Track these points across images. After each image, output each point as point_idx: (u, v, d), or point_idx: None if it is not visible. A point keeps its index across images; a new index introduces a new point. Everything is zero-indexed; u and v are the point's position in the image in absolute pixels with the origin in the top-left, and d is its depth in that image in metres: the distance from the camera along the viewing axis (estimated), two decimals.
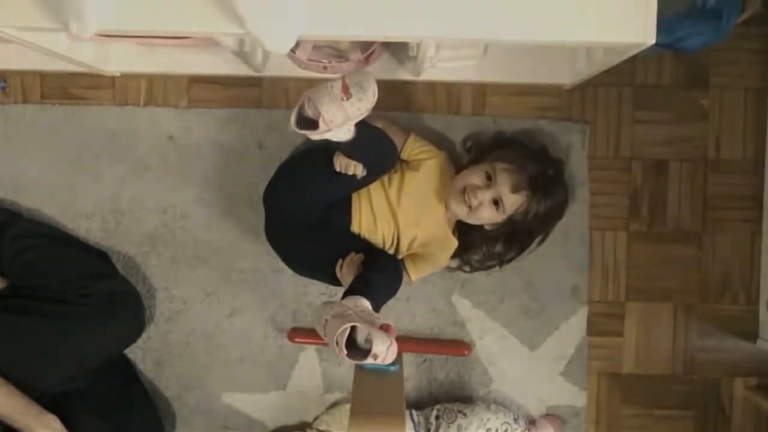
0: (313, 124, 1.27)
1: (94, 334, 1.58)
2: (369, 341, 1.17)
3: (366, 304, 1.28)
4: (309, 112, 1.27)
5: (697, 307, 1.81)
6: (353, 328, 1.19)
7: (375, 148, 1.51)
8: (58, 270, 1.62)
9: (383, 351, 1.16)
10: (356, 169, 1.52)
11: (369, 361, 1.17)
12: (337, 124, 1.25)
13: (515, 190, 1.54)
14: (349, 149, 1.44)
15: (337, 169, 1.52)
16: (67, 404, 1.53)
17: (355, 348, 1.21)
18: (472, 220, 1.61)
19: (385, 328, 1.19)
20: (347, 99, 1.23)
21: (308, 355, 1.79)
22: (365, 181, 1.58)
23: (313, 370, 1.79)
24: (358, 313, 1.22)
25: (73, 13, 1.11)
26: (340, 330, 1.16)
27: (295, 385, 1.79)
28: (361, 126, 1.37)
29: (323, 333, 1.23)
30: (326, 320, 1.22)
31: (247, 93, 1.78)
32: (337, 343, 1.17)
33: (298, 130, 1.28)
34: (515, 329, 1.79)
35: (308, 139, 1.37)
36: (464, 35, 1.18)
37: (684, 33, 1.45)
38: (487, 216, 1.58)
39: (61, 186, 1.77)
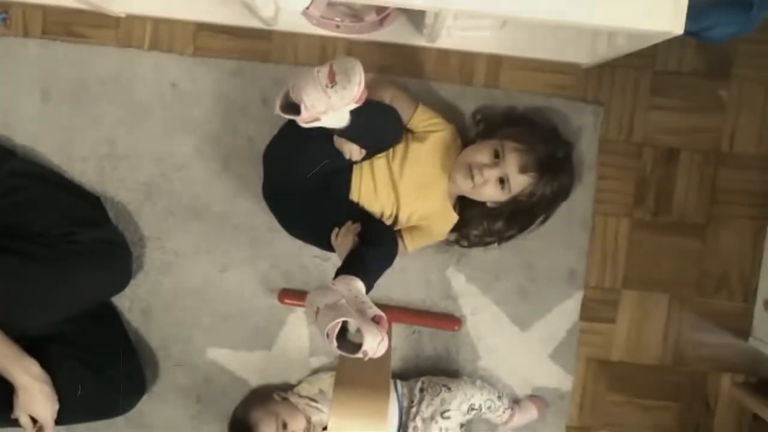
0: (297, 110, 1.25)
1: (75, 280, 1.54)
2: (360, 332, 1.17)
3: (360, 286, 1.28)
4: (293, 97, 1.25)
5: (692, 300, 1.80)
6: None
7: (375, 131, 1.47)
8: (47, 213, 1.58)
9: (374, 347, 1.17)
10: (353, 153, 1.49)
11: (359, 356, 1.17)
12: (320, 111, 1.22)
13: (523, 170, 1.51)
14: (346, 135, 1.42)
15: (338, 147, 1.50)
16: (49, 349, 1.52)
17: (346, 340, 1.21)
18: (475, 197, 1.58)
19: (377, 320, 1.19)
20: (331, 87, 1.21)
21: (297, 318, 1.77)
22: (368, 155, 1.54)
23: (301, 333, 1.78)
24: (350, 301, 1.21)
25: None
26: (331, 324, 1.16)
27: (281, 346, 1.78)
28: (360, 110, 1.32)
29: (314, 321, 1.22)
30: (318, 308, 1.21)
31: (255, 45, 1.72)
32: (327, 335, 1.17)
33: (283, 115, 1.25)
34: (508, 308, 1.77)
35: None
36: (485, 9, 1.14)
37: (712, 22, 1.40)
38: (491, 194, 1.55)
39: (58, 125, 1.73)
